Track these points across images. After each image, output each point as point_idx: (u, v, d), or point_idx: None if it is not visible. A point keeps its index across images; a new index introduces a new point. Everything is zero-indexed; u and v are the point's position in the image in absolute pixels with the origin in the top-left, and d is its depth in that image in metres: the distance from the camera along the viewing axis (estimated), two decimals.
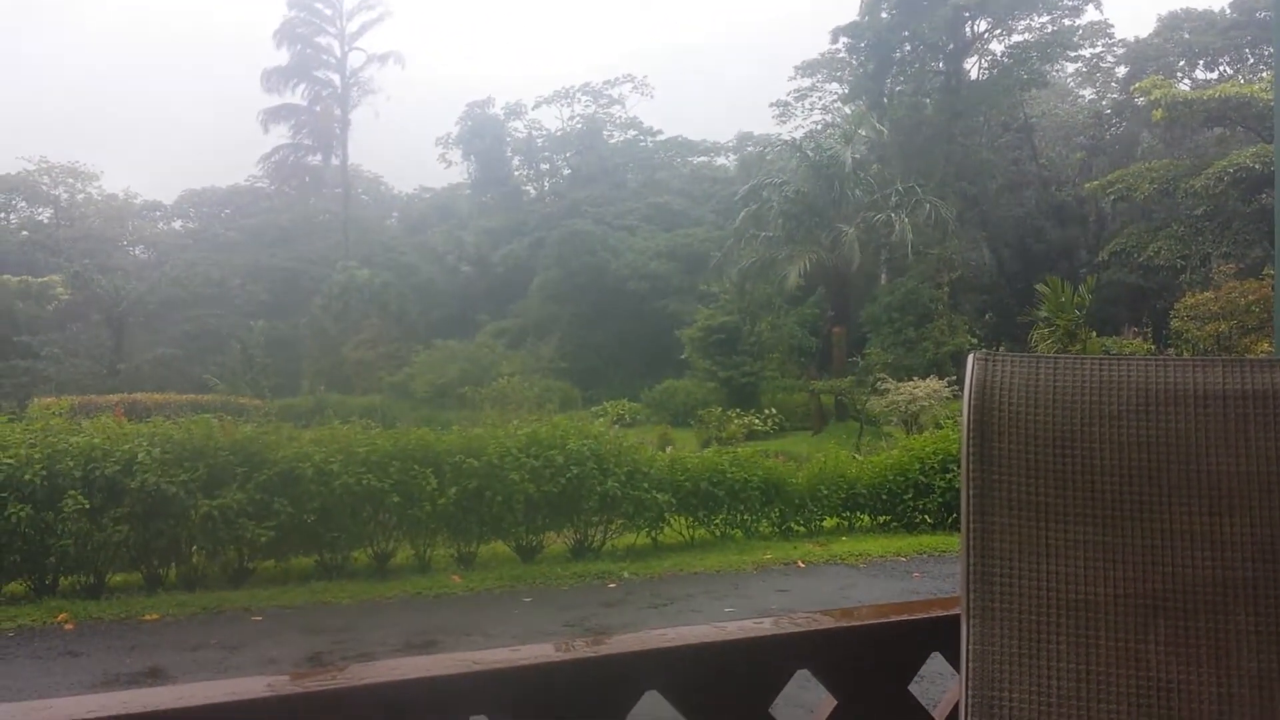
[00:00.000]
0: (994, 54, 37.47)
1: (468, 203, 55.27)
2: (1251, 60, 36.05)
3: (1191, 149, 33.40)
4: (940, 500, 11.81)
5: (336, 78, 53.65)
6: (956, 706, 1.38)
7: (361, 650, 7.01)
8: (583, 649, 1.33)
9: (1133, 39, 39.95)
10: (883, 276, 31.56)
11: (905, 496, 11.98)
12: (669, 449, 15.08)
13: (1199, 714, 1.08)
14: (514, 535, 10.09)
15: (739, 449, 13.17)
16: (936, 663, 1.47)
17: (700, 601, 8.35)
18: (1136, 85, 31.93)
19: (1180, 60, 37.86)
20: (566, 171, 55.39)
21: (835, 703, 1.42)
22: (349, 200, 52.14)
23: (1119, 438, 1.16)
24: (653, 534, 10.80)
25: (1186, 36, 37.35)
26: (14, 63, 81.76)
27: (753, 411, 26.18)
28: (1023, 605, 1.13)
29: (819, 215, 29.88)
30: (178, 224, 57.27)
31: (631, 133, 55.64)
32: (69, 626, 7.54)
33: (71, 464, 8.39)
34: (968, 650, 1.14)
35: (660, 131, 55.12)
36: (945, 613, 1.46)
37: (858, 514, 12.07)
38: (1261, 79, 31.93)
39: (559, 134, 56.22)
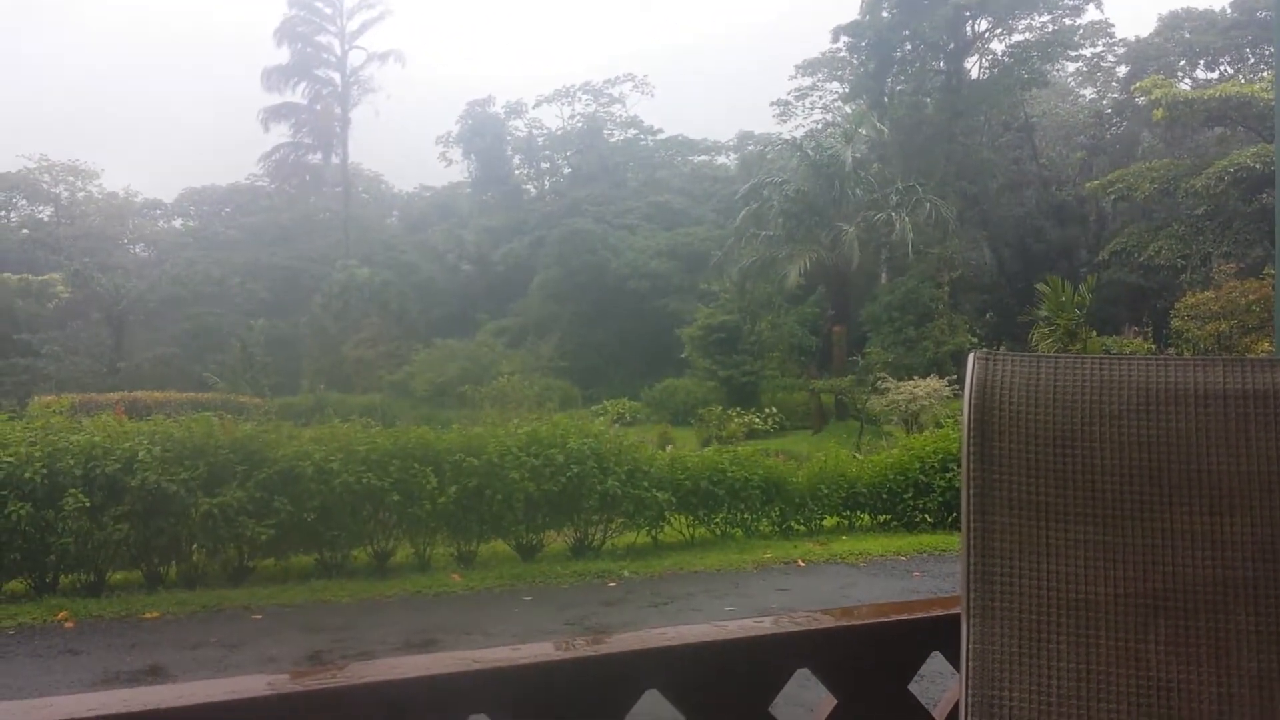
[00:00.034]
0: (995, 53, 37.49)
1: (468, 201, 55.27)
2: (1252, 60, 36.03)
3: (1192, 149, 33.38)
4: (940, 499, 11.81)
5: (337, 76, 53.68)
6: (956, 706, 1.38)
7: (361, 649, 7.01)
8: (583, 648, 1.33)
9: (1133, 38, 39.97)
10: (883, 276, 31.55)
11: (905, 496, 11.98)
12: (669, 448, 15.08)
13: (1199, 714, 1.08)
14: (514, 534, 10.10)
15: (739, 448, 13.18)
16: (936, 662, 1.47)
17: (700, 600, 8.35)
18: (1137, 85, 31.92)
19: (1181, 60, 37.85)
20: (567, 170, 55.38)
21: (835, 702, 1.42)
22: (349, 199, 52.14)
23: (1119, 437, 1.16)
24: (653, 533, 10.81)
25: (1187, 36, 37.33)
26: (15, 61, 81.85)
27: (753, 410, 26.18)
28: (1023, 605, 1.13)
29: (819, 214, 29.87)
30: (178, 222, 57.29)
31: (632, 132, 55.63)
32: (69, 624, 7.55)
33: (72, 462, 8.40)
34: (968, 650, 1.14)
35: (661, 130, 55.16)
36: (945, 612, 1.46)
37: (858, 513, 12.07)
38: (1262, 79, 31.91)
39: (559, 133, 56.23)
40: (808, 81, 44.52)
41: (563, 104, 56.51)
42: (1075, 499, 1.15)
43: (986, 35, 36.83)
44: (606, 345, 38.19)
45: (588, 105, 56.25)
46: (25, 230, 49.13)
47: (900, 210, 28.11)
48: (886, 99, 36.12)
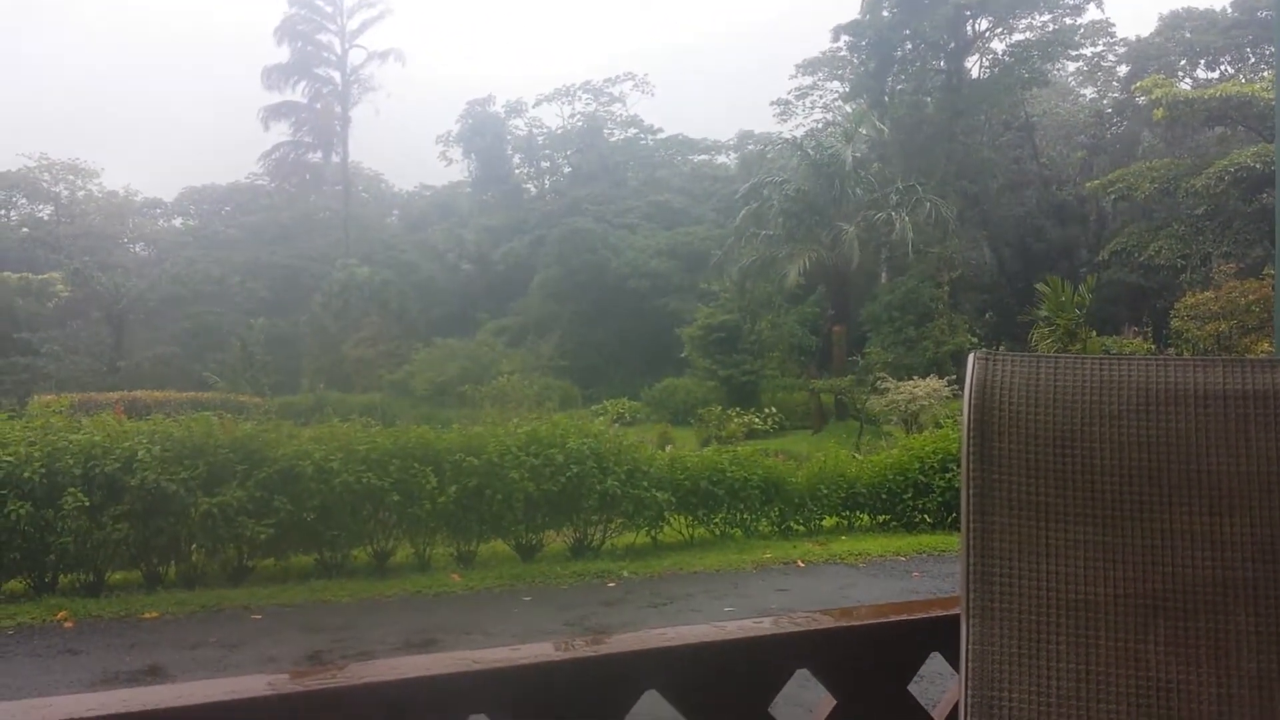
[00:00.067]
0: (995, 53, 37.49)
1: (468, 200, 55.27)
2: (1253, 59, 36.03)
3: (1192, 148, 33.38)
4: (940, 500, 11.81)
5: (337, 75, 53.67)
6: (956, 706, 1.38)
7: (361, 649, 7.01)
8: (582, 648, 1.33)
9: (1134, 38, 39.96)
10: (883, 275, 31.55)
11: (905, 496, 11.98)
12: (669, 448, 15.09)
13: (1199, 714, 1.08)
14: (514, 534, 10.10)
15: (739, 448, 13.18)
16: (936, 663, 1.47)
17: (700, 601, 8.35)
18: (1137, 84, 31.92)
19: (1181, 59, 37.84)
20: (567, 169, 55.38)
21: (835, 702, 1.42)
22: (349, 198, 52.14)
23: (1119, 437, 1.16)
24: (652, 533, 10.81)
25: (1188, 35, 37.33)
26: (15, 61, 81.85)
27: (753, 410, 26.17)
28: (1023, 605, 1.13)
29: (819, 214, 29.87)
30: (178, 221, 57.28)
31: (632, 131, 55.64)
32: (68, 624, 7.55)
33: (71, 461, 8.40)
34: (967, 650, 1.14)
35: (661, 130, 55.15)
36: (945, 612, 1.46)
37: (857, 513, 12.07)
38: (1263, 78, 31.91)
39: (559, 132, 56.23)
40: (808, 81, 44.54)
41: (563, 103, 56.59)
42: (1075, 499, 1.15)
43: (987, 34, 36.84)
44: (606, 345, 38.19)
45: (588, 104, 56.31)
46: (25, 229, 49.13)
47: (900, 210, 28.10)
48: (887, 98, 36.12)
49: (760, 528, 11.43)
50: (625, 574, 9.41)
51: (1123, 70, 41.22)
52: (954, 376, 23.29)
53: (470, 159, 54.81)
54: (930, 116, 35.58)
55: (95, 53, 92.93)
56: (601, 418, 19.93)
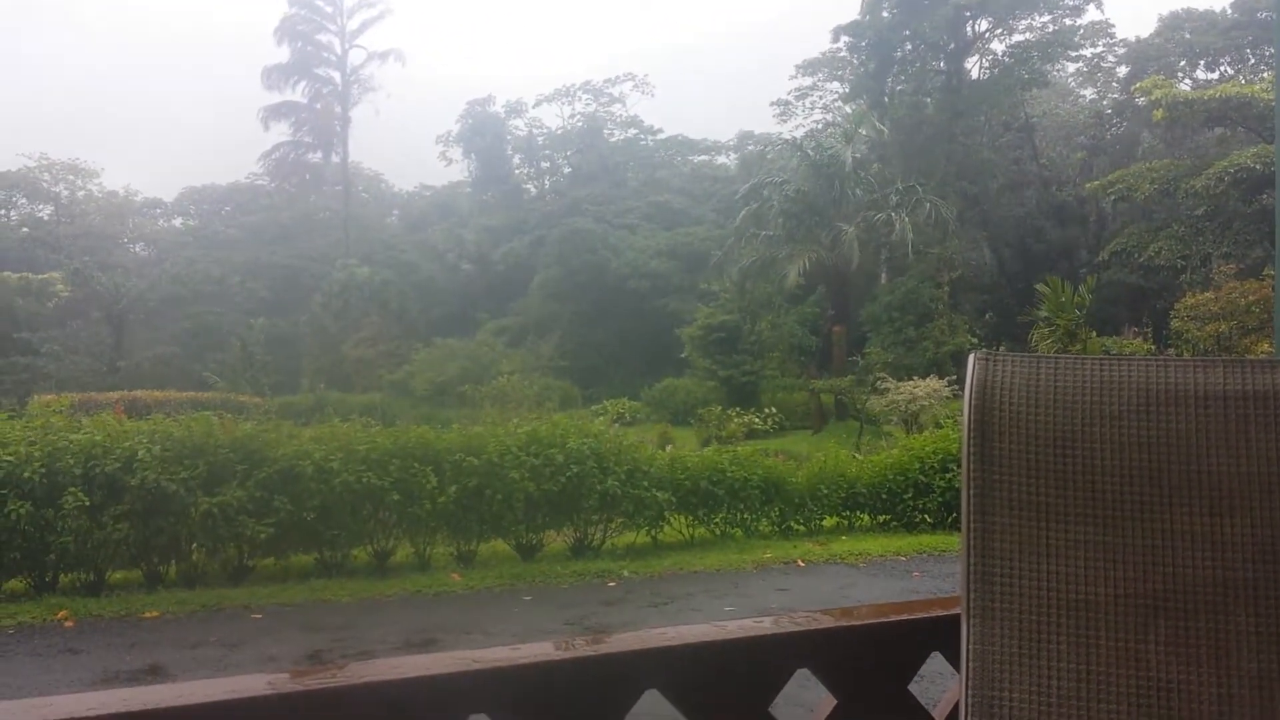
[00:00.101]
0: (995, 53, 37.48)
1: (468, 201, 55.26)
2: (1252, 60, 36.03)
3: (1192, 149, 33.38)
4: (940, 500, 11.81)
5: (337, 75, 53.66)
6: (956, 706, 1.38)
7: (361, 648, 7.01)
8: (583, 647, 1.33)
9: (1134, 39, 39.97)
10: (883, 276, 31.56)
11: (905, 496, 11.98)
12: (669, 448, 15.08)
13: (1199, 714, 1.08)
14: (514, 533, 10.10)
15: (739, 448, 13.18)
16: (936, 662, 1.47)
17: (700, 600, 8.35)
18: (1137, 85, 31.92)
19: (1181, 60, 37.85)
20: (567, 170, 55.38)
21: (835, 702, 1.42)
22: (349, 198, 52.13)
23: (1119, 438, 1.16)
24: (652, 533, 10.81)
25: (1187, 36, 37.33)
26: (15, 61, 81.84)
27: (753, 410, 26.18)
28: (1023, 605, 1.13)
29: (819, 214, 29.87)
30: (178, 221, 57.28)
31: (632, 131, 55.63)
32: (69, 624, 7.55)
33: (72, 461, 8.40)
34: (968, 650, 1.14)
35: (661, 130, 55.15)
36: (945, 612, 1.46)
37: (857, 513, 12.07)
38: (1262, 79, 31.92)
39: (559, 132, 56.22)
40: (808, 81, 44.54)
41: (563, 103, 56.58)
42: (1075, 500, 1.15)
43: (987, 35, 36.84)
44: (606, 345, 38.19)
45: (588, 105, 56.31)
46: (25, 229, 49.12)
47: (900, 210, 28.11)
48: (887, 99, 36.12)
49: (760, 527, 11.44)
50: (625, 574, 9.41)
51: (1122, 71, 41.23)
52: (954, 377, 23.30)
53: (470, 159, 54.81)
54: (930, 117, 35.58)
55: (95, 53, 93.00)
56: (601, 418, 19.93)
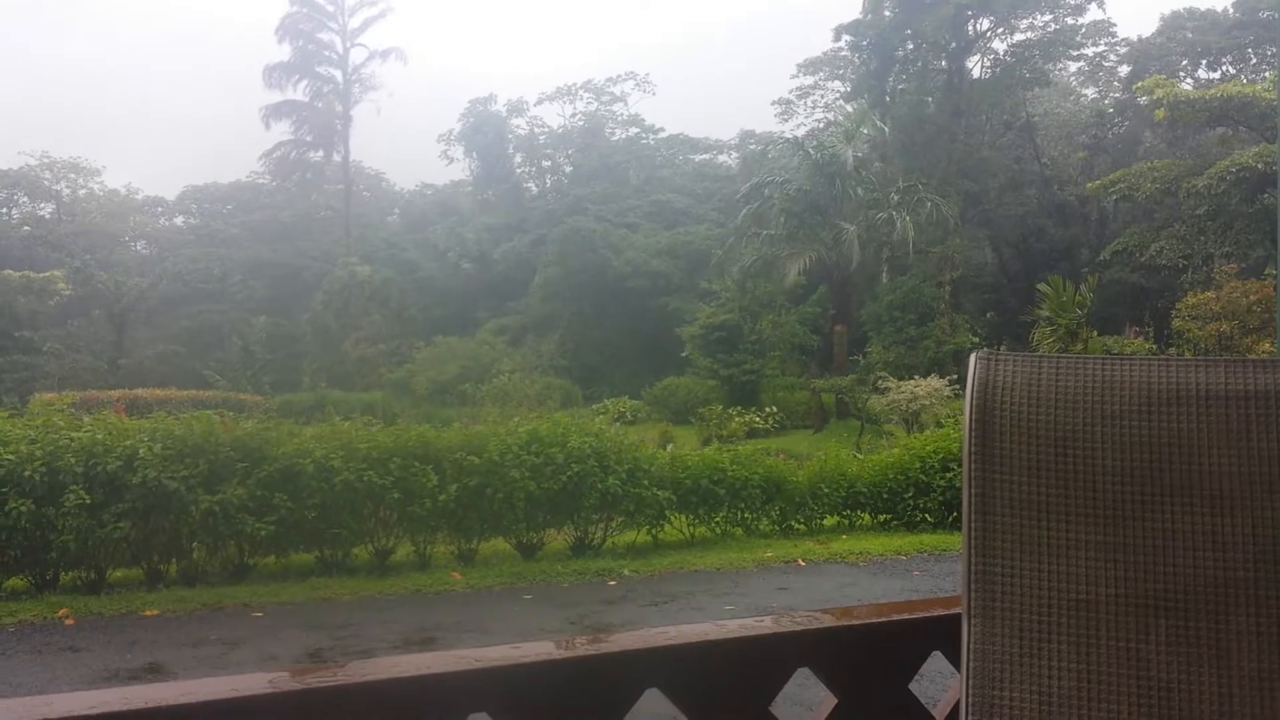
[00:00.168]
0: (996, 52, 37.45)
1: (469, 199, 55.24)
2: (1254, 60, 36.01)
3: (1194, 149, 33.36)
4: (941, 499, 11.81)
5: (338, 74, 53.59)
6: (957, 705, 1.38)
7: (362, 647, 7.02)
8: (584, 646, 1.33)
9: (1135, 38, 39.94)
10: (884, 275, 31.53)
11: (906, 495, 11.98)
12: (669, 447, 15.08)
13: (1199, 714, 1.08)
14: (514, 532, 10.10)
15: (740, 447, 13.17)
16: (937, 662, 1.47)
17: (701, 599, 8.35)
18: (1139, 84, 31.88)
19: (1183, 60, 37.81)
20: (568, 169, 55.35)
21: (836, 701, 1.42)
22: (350, 196, 52.09)
23: (1121, 437, 1.16)
24: (653, 531, 10.81)
25: (1189, 36, 37.30)
26: (16, 58, 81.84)
27: (753, 409, 26.18)
28: (1024, 604, 1.13)
29: (820, 213, 29.87)
30: (179, 220, 57.26)
31: (633, 130, 55.59)
32: (69, 622, 7.55)
33: (73, 459, 8.41)
34: (968, 649, 1.14)
35: (662, 129, 55.09)
36: (946, 612, 1.46)
37: (858, 512, 12.07)
38: (1264, 79, 31.91)
39: (561, 131, 56.20)
40: (809, 80, 44.56)
41: (564, 102, 56.51)
42: (1076, 499, 1.15)
43: (988, 34, 36.81)
44: (607, 344, 38.20)
45: (589, 104, 56.26)
46: (26, 227, 49.10)
47: (901, 209, 28.11)
48: (888, 98, 36.11)
49: (761, 526, 11.44)
50: (626, 572, 9.41)
51: (1124, 70, 41.20)
52: (955, 376, 23.30)
53: (471, 158, 54.75)
54: (931, 116, 35.57)
55: (97, 50, 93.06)
56: (602, 416, 19.93)
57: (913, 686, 1.47)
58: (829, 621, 1.46)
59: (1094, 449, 1.16)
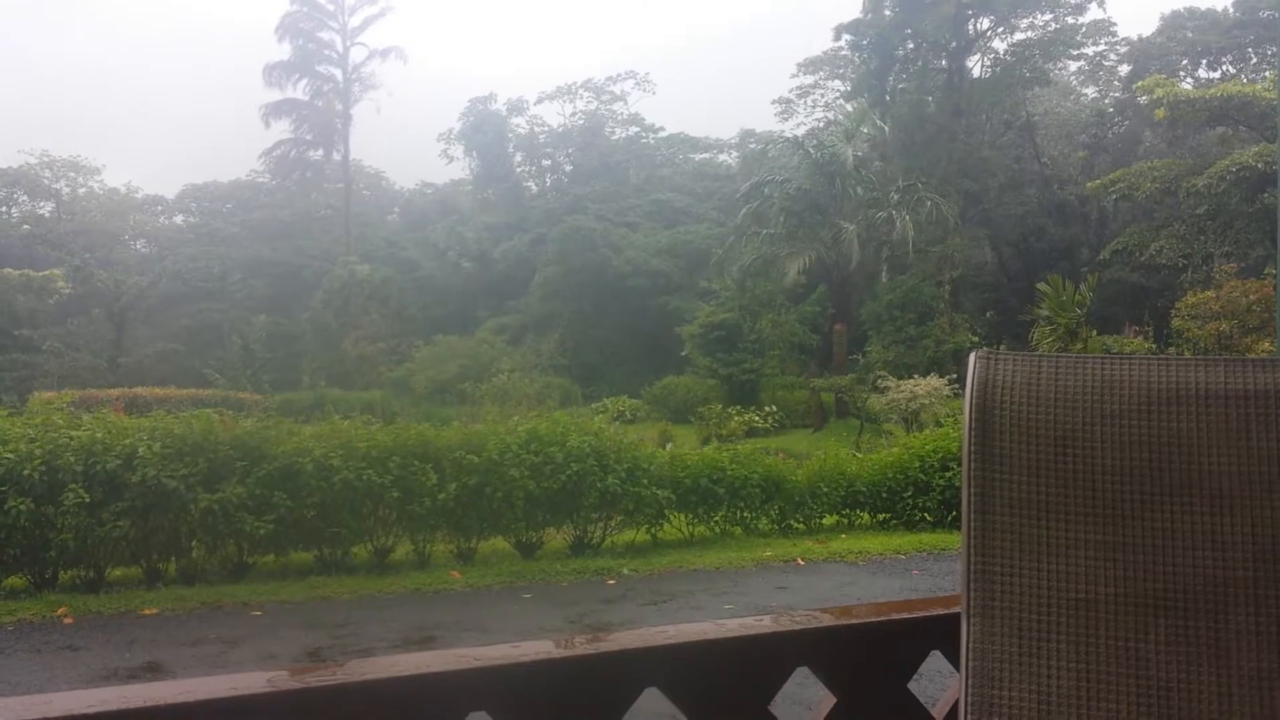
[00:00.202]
0: (996, 52, 37.45)
1: (469, 198, 55.23)
2: (1255, 59, 36.00)
3: (1194, 148, 33.36)
4: (940, 498, 11.81)
5: (338, 73, 53.58)
6: (956, 705, 1.38)
7: (361, 646, 7.02)
8: (583, 645, 1.33)
9: (1135, 37, 39.93)
10: (884, 274, 31.54)
11: (905, 494, 11.99)
12: (669, 446, 15.08)
13: (1199, 714, 1.08)
14: (514, 531, 10.10)
15: (739, 446, 13.16)
16: (936, 661, 1.47)
17: (700, 598, 8.35)
18: (1139, 84, 31.87)
19: (1183, 59, 37.81)
20: (568, 168, 55.34)
21: (835, 700, 1.42)
22: (350, 195, 52.08)
23: (1120, 437, 1.16)
24: (652, 531, 10.81)
25: (1190, 35, 37.30)
26: (16, 57, 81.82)
27: (753, 409, 26.18)
28: (1023, 604, 1.13)
29: (820, 213, 29.87)
30: (179, 218, 57.24)
31: (633, 129, 55.58)
32: (68, 621, 7.55)
33: (72, 458, 8.40)
34: (968, 649, 1.14)
35: (662, 128, 55.09)
36: (945, 611, 1.46)
37: (857, 511, 12.07)
38: (1264, 78, 31.91)
39: (561, 130, 56.18)
40: (809, 79, 44.56)
41: (564, 101, 56.50)
42: (1076, 498, 1.15)
43: (988, 34, 36.81)
44: (607, 343, 38.21)
45: (589, 103, 56.24)
46: (26, 226, 49.08)
47: (901, 209, 28.11)
48: (888, 97, 36.11)
49: (760, 526, 11.44)
50: (625, 571, 9.41)
51: (1124, 70, 41.19)
52: (954, 375, 23.30)
53: (471, 157, 54.72)
54: (931, 115, 35.57)
55: (97, 49, 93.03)
56: (602, 415, 19.92)
57: (912, 686, 1.47)
58: (828, 621, 1.46)
59: (1093, 448, 1.16)
